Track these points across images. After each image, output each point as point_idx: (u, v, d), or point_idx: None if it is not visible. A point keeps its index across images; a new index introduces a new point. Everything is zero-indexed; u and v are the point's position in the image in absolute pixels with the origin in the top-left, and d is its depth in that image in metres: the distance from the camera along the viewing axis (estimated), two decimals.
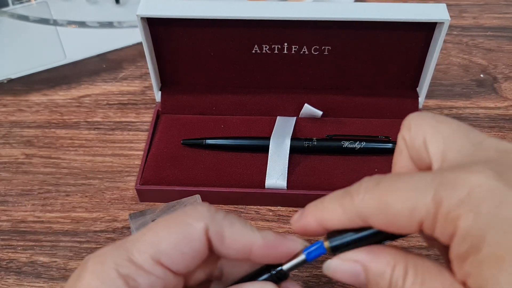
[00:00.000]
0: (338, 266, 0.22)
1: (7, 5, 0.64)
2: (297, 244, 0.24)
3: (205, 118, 0.50)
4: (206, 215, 0.23)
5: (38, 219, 0.45)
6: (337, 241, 0.23)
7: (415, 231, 0.20)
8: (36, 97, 0.56)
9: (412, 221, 0.20)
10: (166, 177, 0.45)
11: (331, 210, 0.23)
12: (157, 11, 0.44)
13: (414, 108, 0.50)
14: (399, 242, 0.43)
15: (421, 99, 0.50)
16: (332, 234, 0.23)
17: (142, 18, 0.44)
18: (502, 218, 0.18)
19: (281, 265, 0.24)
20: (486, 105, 0.54)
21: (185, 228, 0.23)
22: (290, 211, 0.45)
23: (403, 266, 0.21)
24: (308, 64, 0.48)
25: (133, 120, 0.53)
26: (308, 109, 0.49)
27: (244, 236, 0.24)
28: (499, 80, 0.56)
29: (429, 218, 0.19)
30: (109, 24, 0.59)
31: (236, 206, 0.46)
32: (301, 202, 0.45)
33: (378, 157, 0.46)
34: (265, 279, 0.24)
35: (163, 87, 0.52)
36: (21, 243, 0.44)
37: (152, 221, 0.39)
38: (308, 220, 0.24)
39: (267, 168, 0.45)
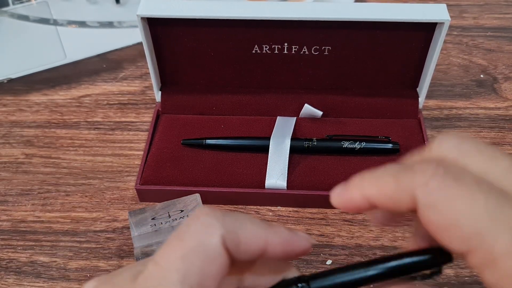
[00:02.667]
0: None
1: (7, 4, 0.64)
2: (306, 241, 0.22)
3: (205, 118, 0.50)
4: (217, 224, 0.20)
5: (38, 219, 0.45)
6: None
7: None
8: (36, 97, 0.56)
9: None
10: (166, 177, 0.45)
11: (383, 184, 0.20)
12: (157, 11, 0.44)
13: (414, 108, 0.50)
14: None
15: (421, 99, 0.50)
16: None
17: (142, 18, 0.44)
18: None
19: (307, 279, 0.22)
20: (486, 106, 0.54)
21: (203, 248, 0.20)
22: (290, 211, 0.45)
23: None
24: (308, 64, 0.48)
25: (133, 120, 0.53)
26: (308, 109, 0.49)
27: (259, 236, 0.21)
28: (499, 81, 0.56)
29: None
30: (109, 24, 0.59)
31: (236, 206, 0.46)
32: (301, 202, 0.45)
33: (378, 157, 0.46)
34: None
35: (163, 87, 0.52)
36: (21, 243, 0.44)
37: (152, 218, 0.39)
38: (353, 192, 0.21)
39: (267, 168, 0.45)
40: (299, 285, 0.21)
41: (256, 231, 0.21)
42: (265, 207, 0.45)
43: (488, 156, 0.19)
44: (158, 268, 0.20)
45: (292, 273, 0.23)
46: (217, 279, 0.20)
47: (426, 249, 0.21)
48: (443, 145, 0.20)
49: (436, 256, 0.20)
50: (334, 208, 0.45)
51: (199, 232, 0.20)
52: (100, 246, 0.43)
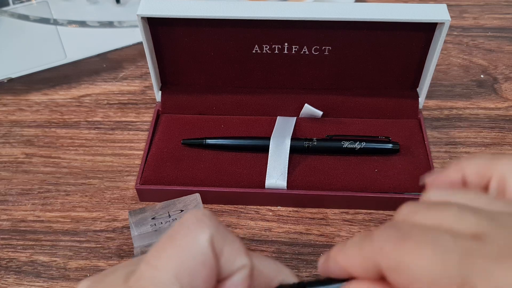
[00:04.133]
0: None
1: (7, 4, 0.64)
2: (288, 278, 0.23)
3: (205, 118, 0.50)
4: (208, 222, 0.20)
5: (38, 219, 0.45)
6: None
7: None
8: (36, 97, 0.56)
9: None
10: (166, 176, 0.45)
11: (351, 257, 0.20)
12: (157, 11, 0.44)
13: (414, 108, 0.50)
14: None
15: (421, 100, 0.50)
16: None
17: (143, 18, 0.44)
18: None
19: None
20: (486, 106, 0.54)
21: (195, 247, 0.20)
22: (290, 211, 0.45)
23: None
24: (308, 64, 0.48)
25: (133, 119, 0.53)
26: (308, 109, 0.49)
27: (240, 259, 0.21)
28: (499, 81, 0.56)
29: None
30: (110, 24, 0.59)
31: (236, 206, 0.46)
32: (301, 202, 0.45)
33: (378, 157, 0.46)
34: None
35: (163, 87, 0.52)
36: (21, 243, 0.44)
37: (152, 218, 0.39)
38: (330, 266, 0.21)
39: (267, 168, 0.45)
40: None
41: (239, 252, 0.21)
42: (265, 207, 0.45)
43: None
44: (149, 268, 0.20)
45: (287, 276, 0.23)
46: (207, 282, 0.20)
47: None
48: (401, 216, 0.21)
49: None
50: (334, 208, 0.45)
51: (190, 231, 0.20)
52: (100, 245, 0.43)
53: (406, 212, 0.21)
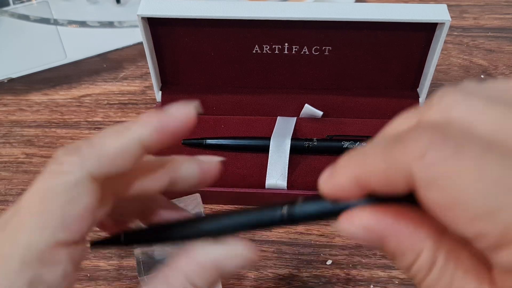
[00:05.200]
0: (350, 232, 0.18)
1: (7, 4, 0.64)
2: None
3: (206, 118, 0.50)
4: (75, 161, 0.20)
5: None
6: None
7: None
8: (36, 97, 0.56)
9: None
10: None
11: (372, 162, 0.17)
12: (157, 11, 0.44)
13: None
14: None
15: (422, 100, 0.50)
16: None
17: (143, 18, 0.44)
18: None
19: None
20: None
21: (63, 188, 0.20)
22: None
23: (430, 256, 0.16)
24: (308, 64, 0.48)
25: (133, 120, 0.53)
26: (308, 109, 0.49)
27: (124, 147, 0.21)
28: None
29: None
30: (110, 24, 0.59)
31: (236, 206, 0.46)
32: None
33: None
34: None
35: (164, 87, 0.52)
36: None
37: None
38: (340, 176, 0.18)
39: (267, 168, 0.45)
40: (284, 207, 0.20)
41: (118, 143, 0.20)
42: None
43: (501, 112, 0.15)
44: (18, 215, 0.20)
45: (185, 164, 0.24)
46: (85, 216, 0.20)
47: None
48: (445, 102, 0.17)
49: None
50: None
51: (56, 173, 0.20)
52: None
53: (453, 102, 0.16)
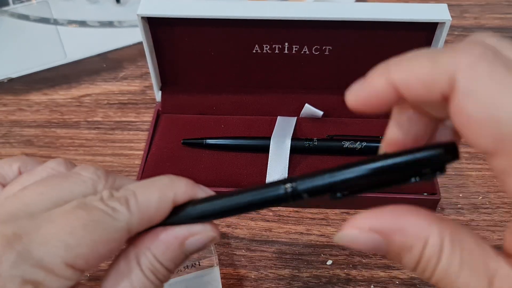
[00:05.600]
0: (354, 238, 0.18)
1: (7, 4, 0.64)
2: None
3: (206, 118, 0.50)
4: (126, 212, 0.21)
5: None
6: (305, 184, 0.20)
7: None
8: (36, 97, 0.56)
9: None
10: None
11: (417, 66, 0.17)
12: (157, 10, 0.44)
13: None
14: None
15: None
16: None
17: (143, 18, 0.44)
18: None
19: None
20: None
21: (107, 227, 0.20)
22: (290, 211, 0.45)
23: (438, 240, 0.17)
24: (308, 64, 0.48)
25: (133, 119, 0.53)
26: (308, 109, 0.49)
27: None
28: None
29: None
30: (110, 24, 0.59)
31: None
32: (301, 202, 0.45)
33: None
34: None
35: (164, 86, 0.51)
36: None
37: None
38: (377, 80, 0.18)
39: (268, 168, 0.45)
40: (288, 185, 0.20)
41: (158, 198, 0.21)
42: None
43: None
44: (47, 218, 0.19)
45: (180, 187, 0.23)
46: (103, 258, 0.20)
47: (431, 145, 0.18)
48: (479, 39, 0.17)
49: (444, 152, 0.18)
50: (334, 208, 0.45)
51: (106, 214, 0.20)
52: None
53: (487, 41, 0.17)
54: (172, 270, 0.22)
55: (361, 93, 0.19)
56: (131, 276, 0.21)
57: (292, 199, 0.20)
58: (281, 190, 0.20)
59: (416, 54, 0.18)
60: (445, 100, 0.17)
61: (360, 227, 0.18)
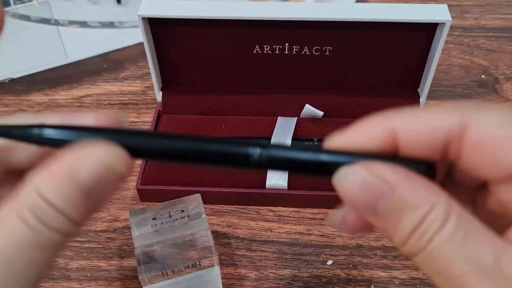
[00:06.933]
0: (360, 179, 0.17)
1: (8, 5, 0.64)
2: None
3: (206, 118, 0.50)
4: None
5: None
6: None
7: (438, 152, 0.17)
8: (37, 97, 0.56)
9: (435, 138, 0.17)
10: (166, 177, 0.45)
11: (419, 121, 0.18)
12: (158, 11, 0.44)
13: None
14: None
15: (422, 100, 0.50)
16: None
17: (143, 18, 0.44)
18: None
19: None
20: None
21: None
22: (290, 211, 0.45)
23: (445, 209, 0.16)
24: (309, 64, 0.48)
25: (134, 120, 0.53)
26: (309, 110, 0.49)
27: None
28: (501, 81, 0.56)
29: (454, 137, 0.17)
30: (111, 24, 0.59)
31: (236, 206, 0.46)
32: (302, 202, 0.45)
33: None
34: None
35: (164, 87, 0.52)
36: None
37: (153, 218, 0.39)
38: (375, 127, 0.19)
39: (268, 169, 0.45)
40: (256, 150, 0.18)
41: None
42: (265, 207, 0.45)
43: None
44: None
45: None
46: None
47: (414, 159, 0.18)
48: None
49: (426, 167, 0.18)
50: (335, 208, 0.45)
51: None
52: (101, 246, 0.43)
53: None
54: (68, 212, 0.16)
55: (359, 135, 0.19)
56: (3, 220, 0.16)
57: (257, 165, 0.18)
58: (249, 151, 0.18)
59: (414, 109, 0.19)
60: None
61: (371, 170, 0.17)
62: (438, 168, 0.18)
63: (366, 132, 0.19)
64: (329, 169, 0.19)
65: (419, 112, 0.18)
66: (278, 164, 0.19)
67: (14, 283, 0.16)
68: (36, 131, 0.18)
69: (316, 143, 0.46)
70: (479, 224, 0.16)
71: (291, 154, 0.19)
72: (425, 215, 0.16)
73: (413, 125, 0.18)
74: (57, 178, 0.16)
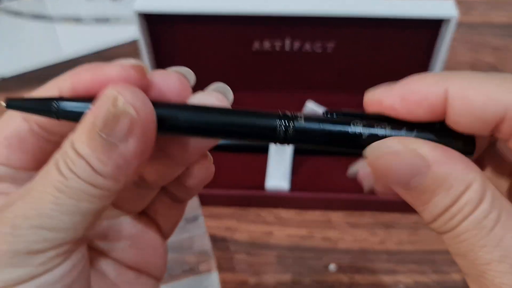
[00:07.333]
0: (396, 151, 0.17)
1: (0, 1, 0.63)
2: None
3: None
4: None
5: None
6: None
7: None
8: None
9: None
10: None
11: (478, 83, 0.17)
12: (154, 6, 0.43)
13: None
14: None
15: None
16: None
17: (139, 14, 0.43)
18: None
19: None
20: None
21: None
22: (292, 214, 0.44)
23: (481, 188, 0.16)
24: (311, 62, 0.48)
25: None
26: (310, 108, 0.48)
27: None
28: None
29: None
30: (106, 21, 0.58)
31: (235, 208, 0.45)
32: (303, 204, 0.44)
33: None
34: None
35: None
36: None
37: None
38: (431, 87, 0.17)
39: (269, 169, 0.44)
40: (283, 121, 0.18)
41: None
42: (266, 209, 0.45)
43: None
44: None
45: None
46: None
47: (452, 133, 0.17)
48: None
49: (465, 142, 0.17)
50: (337, 210, 0.44)
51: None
52: None
53: None
54: (92, 161, 0.16)
55: (406, 95, 0.18)
56: (47, 175, 0.17)
57: (284, 139, 0.18)
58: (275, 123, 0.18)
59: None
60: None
61: (407, 144, 0.17)
62: (477, 144, 0.18)
63: (414, 98, 0.18)
64: (362, 143, 0.18)
65: (478, 79, 0.17)
66: (306, 137, 0.18)
67: (49, 226, 0.16)
68: (54, 104, 0.18)
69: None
70: (510, 205, 0.16)
71: (321, 126, 0.18)
72: (459, 196, 0.16)
73: (469, 92, 0.17)
74: (84, 127, 0.16)
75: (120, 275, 0.20)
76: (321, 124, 0.18)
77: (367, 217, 0.44)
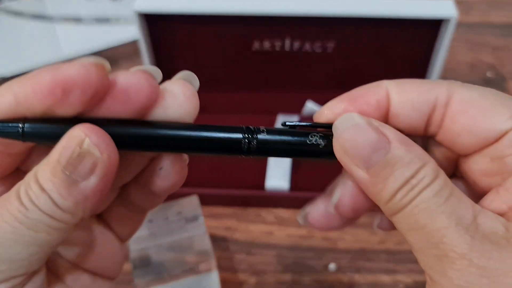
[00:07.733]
0: (358, 125, 0.18)
1: (0, 1, 0.63)
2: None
3: (204, 117, 0.49)
4: None
5: None
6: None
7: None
8: None
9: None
10: None
11: (409, 89, 0.20)
12: (154, 6, 0.43)
13: None
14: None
15: None
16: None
17: (139, 14, 0.43)
18: None
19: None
20: None
21: None
22: (291, 214, 0.44)
23: (436, 167, 0.17)
24: (310, 61, 0.48)
25: None
26: (310, 107, 0.48)
27: None
28: (508, 79, 0.55)
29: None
30: (106, 21, 0.58)
31: (235, 208, 0.45)
32: (303, 204, 0.44)
33: None
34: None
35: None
36: None
37: (149, 221, 0.38)
38: (376, 91, 0.20)
39: (268, 169, 0.44)
40: (246, 135, 0.19)
41: None
42: (266, 208, 0.45)
43: None
44: None
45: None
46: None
47: None
48: None
49: None
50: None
51: None
52: None
53: None
54: (53, 195, 0.16)
55: (355, 97, 0.21)
56: (6, 204, 0.17)
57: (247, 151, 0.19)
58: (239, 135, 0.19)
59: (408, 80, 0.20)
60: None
61: (371, 121, 0.18)
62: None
63: (361, 99, 0.20)
64: (321, 151, 0.19)
65: (411, 80, 0.20)
66: (269, 149, 0.19)
67: (5, 256, 0.16)
68: (18, 127, 0.17)
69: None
70: (459, 189, 0.18)
71: (282, 138, 0.19)
72: (418, 170, 0.17)
73: (406, 89, 0.19)
74: (48, 163, 0.17)
75: (75, 279, 0.20)
76: (282, 136, 0.19)
77: (367, 217, 0.44)
